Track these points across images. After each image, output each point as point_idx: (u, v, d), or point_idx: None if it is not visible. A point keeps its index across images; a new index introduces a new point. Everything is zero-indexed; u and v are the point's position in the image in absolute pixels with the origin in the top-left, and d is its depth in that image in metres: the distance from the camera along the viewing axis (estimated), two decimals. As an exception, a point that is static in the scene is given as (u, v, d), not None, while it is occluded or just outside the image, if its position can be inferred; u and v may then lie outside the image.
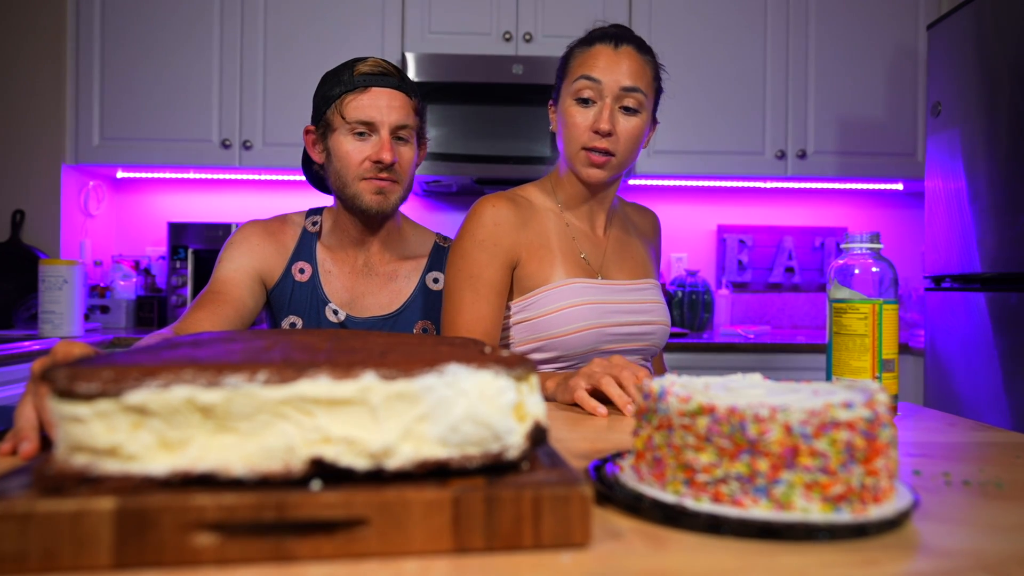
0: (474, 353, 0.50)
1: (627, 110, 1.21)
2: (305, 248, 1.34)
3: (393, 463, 0.44)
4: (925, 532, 0.49)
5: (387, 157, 1.23)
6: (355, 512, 0.41)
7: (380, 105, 1.24)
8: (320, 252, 1.34)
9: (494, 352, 0.50)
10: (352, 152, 1.24)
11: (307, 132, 1.32)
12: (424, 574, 0.40)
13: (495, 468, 0.46)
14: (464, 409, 0.45)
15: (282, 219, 1.38)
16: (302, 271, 1.32)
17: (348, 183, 1.26)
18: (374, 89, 1.24)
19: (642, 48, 1.24)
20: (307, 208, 1.41)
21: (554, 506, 0.43)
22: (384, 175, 1.25)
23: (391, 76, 1.26)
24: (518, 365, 0.47)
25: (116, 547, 0.40)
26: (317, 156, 1.31)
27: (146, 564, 0.40)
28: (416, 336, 0.63)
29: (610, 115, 1.19)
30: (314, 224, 1.36)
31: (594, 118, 1.20)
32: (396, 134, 1.26)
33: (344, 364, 0.45)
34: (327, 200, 1.38)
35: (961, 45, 2.19)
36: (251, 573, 0.40)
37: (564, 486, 0.44)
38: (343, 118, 1.24)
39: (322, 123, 1.28)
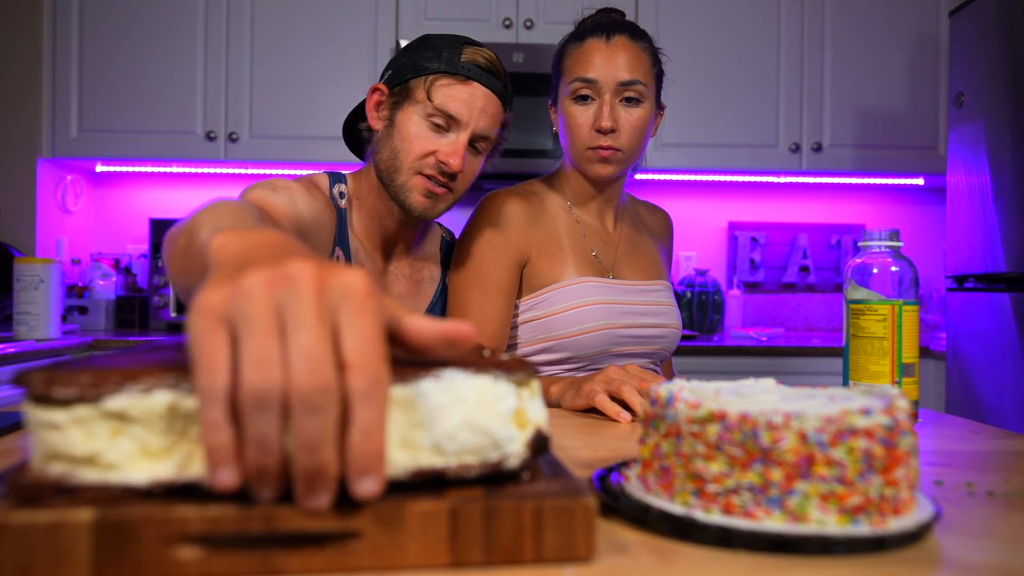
0: (472, 356, 0.50)
1: (628, 101, 1.22)
2: (341, 229, 1.19)
3: (387, 472, 0.44)
4: (947, 545, 0.49)
5: (455, 163, 1.11)
6: (347, 524, 0.41)
7: (475, 105, 1.12)
8: (353, 240, 1.20)
9: (493, 356, 0.50)
10: (421, 139, 1.12)
11: (376, 90, 1.17)
12: (419, 589, 0.40)
13: (494, 478, 0.46)
14: (462, 416, 0.44)
15: (313, 184, 1.17)
16: (338, 259, 1.17)
17: (402, 170, 1.13)
18: (475, 84, 1.13)
19: (636, 34, 1.25)
20: (324, 172, 1.23)
21: (556, 518, 0.43)
22: (444, 180, 1.13)
23: (498, 79, 1.15)
24: (519, 369, 0.47)
25: (94, 561, 0.40)
26: (376, 121, 1.18)
27: (126, 579, 0.40)
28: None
29: (611, 111, 1.20)
30: (341, 196, 1.21)
31: (594, 116, 1.21)
32: (474, 142, 1.15)
33: (335, 368, 0.44)
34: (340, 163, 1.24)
35: (985, 32, 2.19)
36: (237, 588, 0.40)
37: (567, 497, 0.44)
38: (429, 98, 1.12)
39: (401, 90, 1.15)
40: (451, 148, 1.12)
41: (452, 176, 1.14)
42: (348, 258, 1.18)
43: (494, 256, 1.22)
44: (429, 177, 1.13)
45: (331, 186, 1.20)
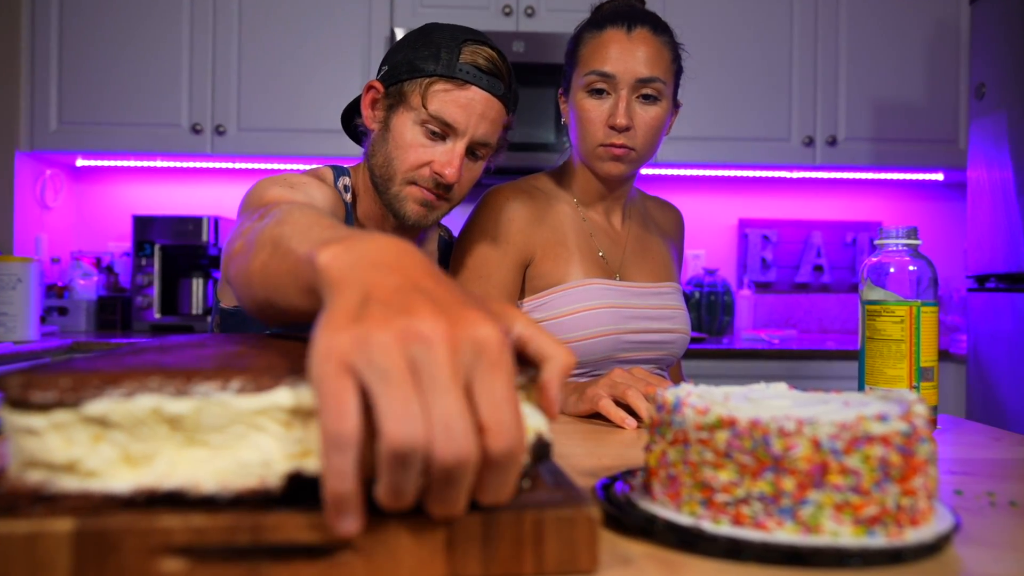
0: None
1: (645, 98, 1.21)
2: (347, 225, 1.16)
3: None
4: (967, 558, 0.49)
5: (450, 175, 1.09)
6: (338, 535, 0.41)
7: (473, 111, 1.09)
8: None
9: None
10: (416, 148, 1.10)
11: (372, 88, 1.15)
12: (414, 603, 0.40)
13: (493, 486, 0.46)
14: (459, 421, 0.44)
15: (319, 177, 1.16)
16: None
17: (395, 180, 1.12)
18: (474, 88, 1.09)
19: (658, 27, 1.23)
20: (325, 165, 1.23)
21: (558, 529, 0.43)
22: (438, 191, 1.12)
23: (500, 80, 1.12)
24: (519, 373, 0.47)
25: (74, 573, 0.40)
26: (371, 121, 1.16)
27: (107, 592, 0.40)
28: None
29: (626, 108, 1.19)
30: (346, 190, 1.20)
31: (609, 112, 1.20)
32: (474, 149, 1.13)
33: (326, 371, 0.44)
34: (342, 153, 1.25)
35: (1008, 21, 2.19)
36: (223, 602, 0.40)
37: (569, 507, 0.44)
38: (424, 105, 1.09)
39: (396, 91, 1.12)
40: (447, 158, 1.10)
41: (448, 187, 1.12)
42: None
43: (497, 256, 1.22)
44: (423, 187, 1.12)
45: (335, 180, 1.19)
